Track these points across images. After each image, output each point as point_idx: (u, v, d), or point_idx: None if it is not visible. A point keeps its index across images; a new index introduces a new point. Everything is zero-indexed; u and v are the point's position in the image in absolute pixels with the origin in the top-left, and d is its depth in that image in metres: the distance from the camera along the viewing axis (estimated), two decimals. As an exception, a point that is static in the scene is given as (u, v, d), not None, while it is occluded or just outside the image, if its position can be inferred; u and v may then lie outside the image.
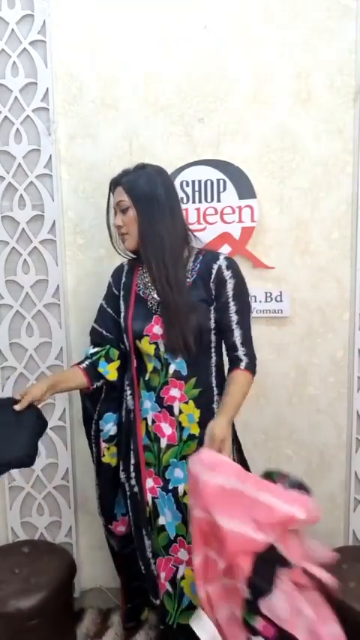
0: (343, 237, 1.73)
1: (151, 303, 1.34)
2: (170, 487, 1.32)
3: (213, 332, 1.32)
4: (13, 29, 1.68)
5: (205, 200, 1.72)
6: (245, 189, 1.70)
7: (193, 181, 1.71)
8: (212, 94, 1.69)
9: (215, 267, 1.29)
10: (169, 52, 1.68)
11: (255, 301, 1.74)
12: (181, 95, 1.70)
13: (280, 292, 1.74)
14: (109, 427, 1.44)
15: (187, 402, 1.31)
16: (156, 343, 1.31)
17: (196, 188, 1.71)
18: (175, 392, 1.32)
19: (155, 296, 1.31)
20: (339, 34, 1.64)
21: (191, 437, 1.32)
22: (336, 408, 1.80)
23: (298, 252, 1.74)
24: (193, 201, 1.72)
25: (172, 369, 1.31)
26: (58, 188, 1.73)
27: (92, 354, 1.44)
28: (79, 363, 1.43)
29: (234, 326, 1.29)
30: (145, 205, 1.27)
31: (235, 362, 1.31)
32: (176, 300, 1.25)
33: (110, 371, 1.41)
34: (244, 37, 1.66)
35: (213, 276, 1.29)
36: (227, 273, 1.29)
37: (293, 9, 1.64)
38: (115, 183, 1.33)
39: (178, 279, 1.27)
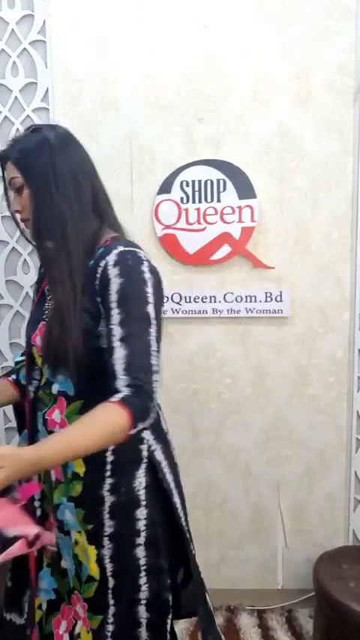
0: (343, 237, 1.73)
1: (48, 304, 1.03)
2: (65, 529, 1.02)
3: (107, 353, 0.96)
4: (13, 29, 1.68)
5: (205, 200, 1.71)
6: (245, 189, 1.70)
7: (193, 181, 1.71)
8: (212, 94, 1.69)
9: (102, 263, 0.93)
10: (169, 52, 1.68)
11: (255, 301, 1.74)
12: (181, 95, 1.70)
13: (280, 292, 1.74)
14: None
15: None
16: (42, 357, 1.01)
17: (196, 188, 1.71)
18: (56, 415, 0.99)
19: None
20: (339, 34, 1.64)
21: (75, 476, 0.98)
22: (336, 408, 1.80)
23: (298, 252, 1.74)
24: (193, 201, 1.72)
25: (55, 388, 0.99)
26: (58, 188, 1.73)
27: (17, 362, 1.17)
28: (8, 374, 1.17)
29: (115, 343, 0.88)
30: (38, 180, 0.96)
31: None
32: (72, 303, 0.93)
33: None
34: (244, 37, 1.66)
35: (98, 276, 0.93)
36: (113, 271, 0.91)
37: (293, 9, 1.64)
38: (4, 158, 1.01)
39: (80, 276, 0.94)
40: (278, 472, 1.84)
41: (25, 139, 0.99)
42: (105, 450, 0.94)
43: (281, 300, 1.74)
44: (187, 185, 1.71)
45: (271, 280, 1.75)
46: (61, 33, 1.69)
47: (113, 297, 0.90)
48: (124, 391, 0.85)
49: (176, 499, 1.05)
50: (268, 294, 1.74)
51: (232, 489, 1.85)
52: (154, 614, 0.97)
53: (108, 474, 0.97)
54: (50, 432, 1.01)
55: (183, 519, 1.06)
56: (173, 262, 1.76)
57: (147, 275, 0.92)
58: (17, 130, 1.71)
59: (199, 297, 1.76)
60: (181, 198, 1.72)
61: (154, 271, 0.94)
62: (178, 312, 1.77)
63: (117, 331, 0.89)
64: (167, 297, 1.76)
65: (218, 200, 1.71)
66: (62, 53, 1.70)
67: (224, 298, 1.76)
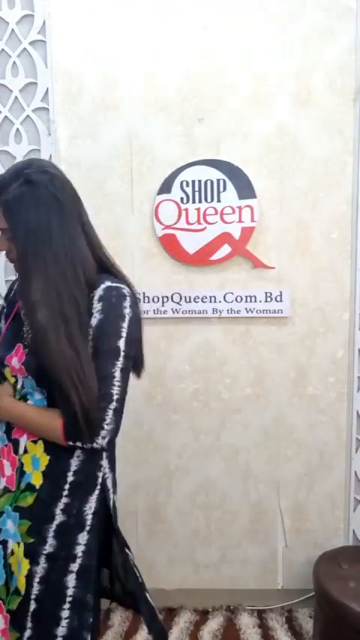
0: (343, 237, 1.73)
1: (27, 327, 1.03)
2: (1, 538, 1.04)
3: None
4: (13, 29, 1.68)
5: (205, 200, 1.71)
6: (245, 189, 1.70)
7: (193, 181, 1.71)
8: (212, 94, 1.69)
9: (91, 296, 0.99)
10: (169, 52, 1.68)
11: (255, 301, 1.74)
12: (181, 95, 1.70)
13: (280, 292, 1.74)
14: None
15: (35, 442, 1.01)
16: (15, 377, 1.05)
17: (196, 188, 1.71)
18: None
19: None
20: (339, 34, 1.64)
21: (30, 487, 1.00)
22: (336, 408, 1.80)
23: (298, 252, 1.74)
24: (193, 201, 1.72)
25: (29, 403, 1.03)
26: (58, 188, 1.73)
27: None
28: None
29: None
30: (24, 237, 0.97)
31: None
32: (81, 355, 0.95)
33: None
34: (244, 37, 1.66)
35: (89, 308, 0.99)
36: (97, 306, 0.98)
37: (293, 9, 1.64)
38: None
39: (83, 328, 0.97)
40: (278, 472, 1.84)
41: (15, 189, 0.96)
42: (67, 470, 1.00)
43: (281, 300, 1.74)
44: (187, 185, 1.71)
45: (271, 280, 1.75)
46: (61, 33, 1.69)
47: (93, 330, 0.97)
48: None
49: (117, 521, 1.10)
50: (268, 294, 1.74)
51: (232, 489, 1.85)
52: None
53: (65, 492, 1.00)
54: (14, 441, 1.03)
55: (117, 539, 1.10)
56: (173, 262, 1.76)
57: (127, 310, 0.99)
58: (17, 130, 1.72)
59: (199, 297, 1.76)
60: (181, 198, 1.72)
61: (134, 305, 1.02)
62: (178, 312, 1.77)
63: None
64: (167, 297, 1.77)
65: (218, 200, 1.71)
66: (62, 53, 1.70)
67: (224, 298, 1.76)
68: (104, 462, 1.06)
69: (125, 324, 0.98)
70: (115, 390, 0.96)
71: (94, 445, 0.96)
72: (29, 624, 0.97)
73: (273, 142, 1.70)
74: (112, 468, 1.11)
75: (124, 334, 0.98)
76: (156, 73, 1.69)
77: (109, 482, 1.08)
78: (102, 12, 1.68)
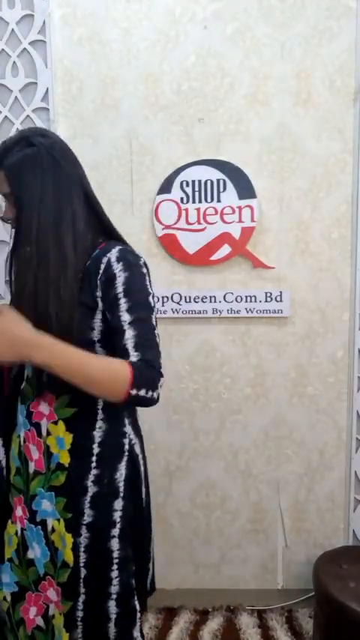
0: (343, 237, 1.73)
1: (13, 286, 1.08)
2: (38, 519, 1.08)
3: (98, 345, 1.04)
4: (13, 29, 1.68)
5: (205, 200, 1.72)
6: (245, 189, 1.70)
7: (193, 181, 1.71)
8: (212, 94, 1.69)
9: (105, 260, 1.01)
10: (169, 52, 1.68)
11: (255, 301, 1.75)
12: (181, 95, 1.70)
13: (280, 292, 1.74)
14: None
15: (56, 423, 1.04)
16: None
17: (196, 188, 1.71)
18: (43, 407, 1.05)
19: None
20: (339, 34, 1.64)
21: (60, 466, 1.04)
22: (336, 408, 1.80)
23: (298, 252, 1.74)
24: (193, 201, 1.72)
25: (45, 377, 1.03)
26: (58, 188, 1.73)
27: None
28: None
29: (126, 326, 0.98)
30: (26, 200, 0.99)
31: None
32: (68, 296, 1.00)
33: None
34: (244, 37, 1.66)
35: (101, 271, 1.01)
36: (117, 266, 1.00)
37: (293, 9, 1.64)
38: None
39: (67, 287, 0.99)
40: (278, 472, 1.84)
41: (18, 152, 1.00)
42: (92, 443, 1.04)
43: (281, 300, 1.74)
44: (187, 185, 1.71)
45: (271, 280, 1.75)
46: (61, 33, 1.69)
47: (120, 288, 0.99)
48: (137, 362, 0.96)
49: (143, 489, 1.14)
50: (268, 294, 1.75)
51: (232, 489, 1.85)
52: (123, 608, 1.04)
53: (93, 464, 1.04)
54: (36, 425, 1.06)
55: (145, 508, 1.15)
56: (173, 262, 1.76)
57: (144, 270, 1.04)
58: (17, 130, 1.72)
59: (199, 297, 1.76)
60: (181, 198, 1.72)
61: (147, 267, 1.06)
62: (178, 312, 1.77)
63: (126, 317, 0.99)
64: (167, 297, 1.77)
65: (218, 200, 1.71)
66: (62, 53, 1.70)
67: (224, 298, 1.76)
68: (128, 429, 1.09)
69: (147, 282, 1.04)
70: (158, 340, 1.01)
71: (154, 394, 0.97)
72: (82, 590, 1.02)
73: (273, 142, 1.70)
74: (138, 434, 1.13)
75: (150, 291, 1.03)
76: (156, 73, 1.69)
77: (137, 448, 1.11)
78: (102, 12, 1.68)
